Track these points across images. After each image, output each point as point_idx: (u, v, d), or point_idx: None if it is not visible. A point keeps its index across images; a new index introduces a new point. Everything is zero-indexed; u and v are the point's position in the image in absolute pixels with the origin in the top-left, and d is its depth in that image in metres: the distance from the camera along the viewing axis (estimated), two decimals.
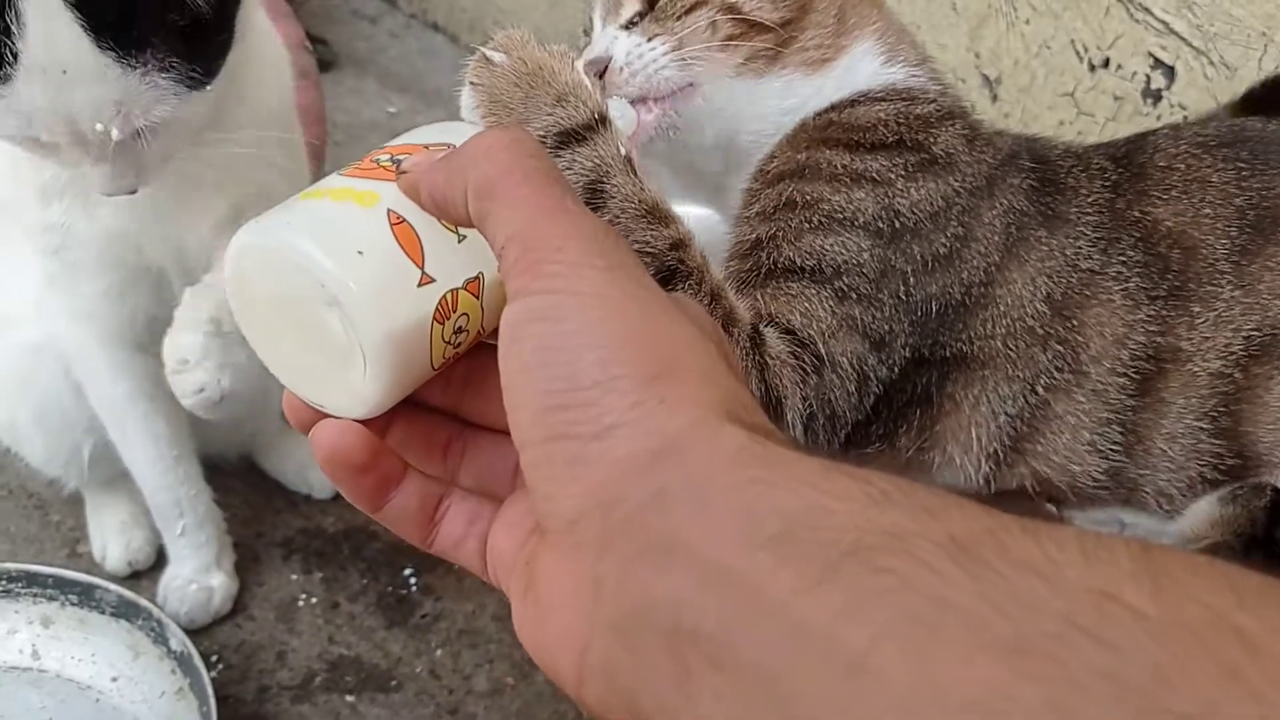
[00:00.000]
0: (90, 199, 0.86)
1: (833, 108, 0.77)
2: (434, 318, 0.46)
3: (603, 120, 0.61)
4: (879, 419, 0.73)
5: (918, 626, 0.30)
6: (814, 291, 0.70)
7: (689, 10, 0.75)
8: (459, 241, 0.47)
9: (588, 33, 0.83)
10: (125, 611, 0.96)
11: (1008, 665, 0.28)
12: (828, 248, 0.71)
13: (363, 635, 1.06)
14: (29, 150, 0.78)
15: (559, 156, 0.60)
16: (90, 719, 0.94)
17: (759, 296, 0.71)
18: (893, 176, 0.73)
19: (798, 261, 0.71)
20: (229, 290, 0.49)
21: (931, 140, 0.75)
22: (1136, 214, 0.76)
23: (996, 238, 0.74)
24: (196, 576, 1.04)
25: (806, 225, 0.71)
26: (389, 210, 0.46)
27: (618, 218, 0.61)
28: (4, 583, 0.97)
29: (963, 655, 0.29)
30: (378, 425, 0.48)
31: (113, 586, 0.97)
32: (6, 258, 0.96)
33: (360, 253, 0.45)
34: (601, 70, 0.74)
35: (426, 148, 0.50)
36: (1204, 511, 0.74)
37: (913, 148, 0.75)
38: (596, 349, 0.38)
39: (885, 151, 0.74)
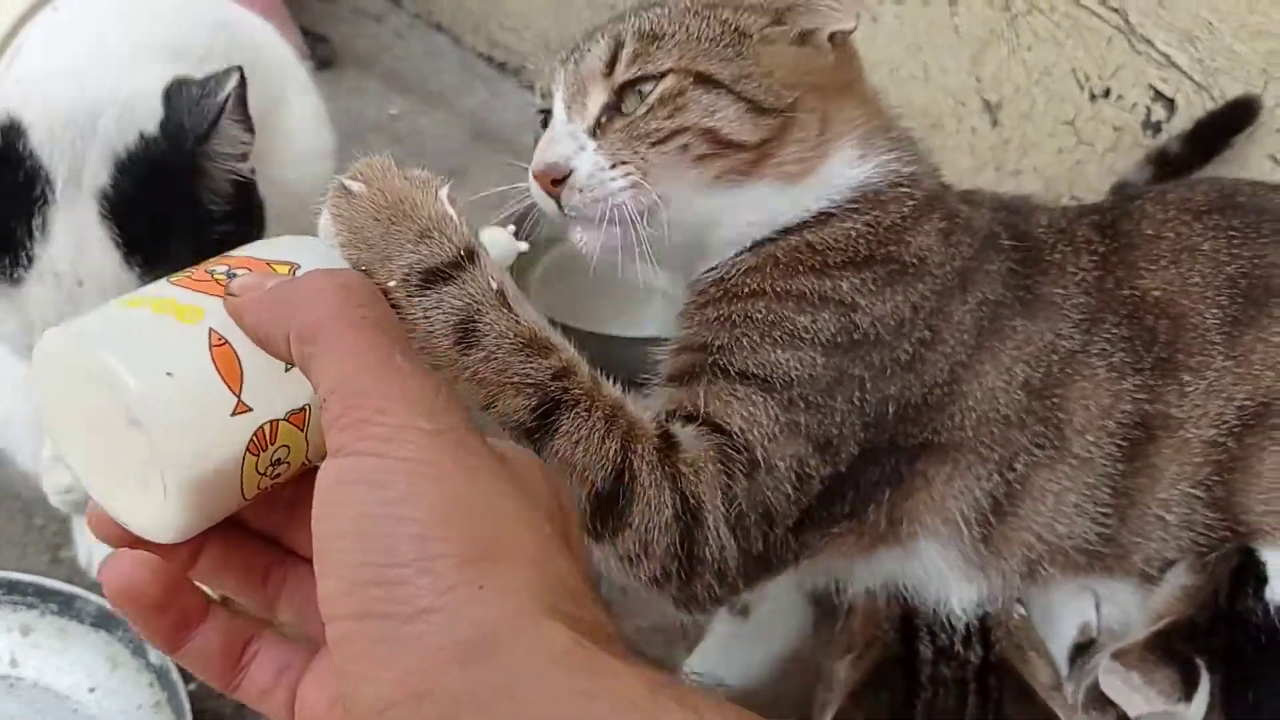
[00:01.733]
0: None
1: (804, 226, 0.74)
2: (248, 449, 0.43)
3: (470, 255, 0.58)
4: (842, 499, 0.71)
5: None
6: (761, 399, 0.68)
7: (666, 138, 0.72)
8: (286, 370, 0.43)
9: (545, 96, 0.80)
10: (105, 623, 0.96)
11: None
12: (783, 362, 0.69)
13: None
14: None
15: (425, 295, 0.56)
16: None
17: (698, 393, 0.69)
18: (859, 298, 0.70)
19: (750, 370, 0.69)
20: (39, 391, 0.46)
21: (903, 248, 0.73)
22: (1125, 291, 0.74)
23: (966, 336, 0.72)
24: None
25: (767, 341, 0.70)
26: (211, 330, 0.43)
27: (493, 354, 0.59)
28: None
29: None
30: (190, 546, 0.45)
31: (93, 597, 0.96)
32: None
33: (170, 374, 0.42)
34: (559, 177, 0.72)
35: (269, 264, 0.47)
36: (1174, 581, 0.74)
37: (883, 260, 0.72)
38: (416, 523, 0.36)
39: (854, 268, 0.72)
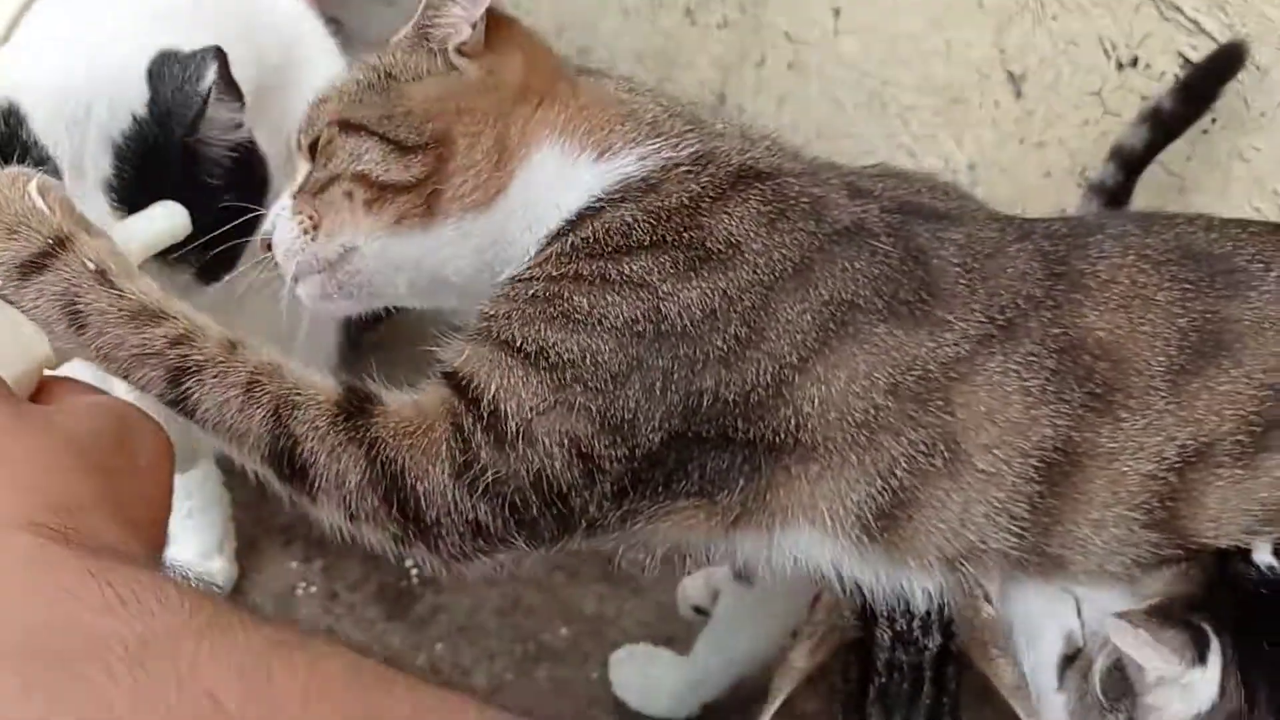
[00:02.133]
0: None
1: (571, 227, 0.71)
2: None
3: (61, 242, 0.61)
4: (681, 478, 0.69)
5: None
6: (523, 373, 0.66)
7: (323, 188, 0.72)
8: None
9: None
10: None
11: None
12: (556, 342, 0.67)
13: (361, 627, 1.05)
14: None
15: (27, 287, 0.60)
16: None
17: (463, 352, 0.68)
18: (654, 279, 0.67)
19: (519, 343, 0.67)
20: None
21: (705, 233, 0.69)
22: (1058, 330, 0.71)
23: (800, 337, 0.68)
24: (197, 561, 1.03)
25: (541, 316, 0.68)
26: None
27: (103, 331, 0.61)
28: None
29: None
30: None
31: None
32: None
33: None
34: (269, 242, 0.75)
35: None
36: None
37: (679, 245, 0.68)
38: None
39: (642, 253, 0.68)
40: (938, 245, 0.73)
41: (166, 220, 0.72)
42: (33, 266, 0.60)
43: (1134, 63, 1.15)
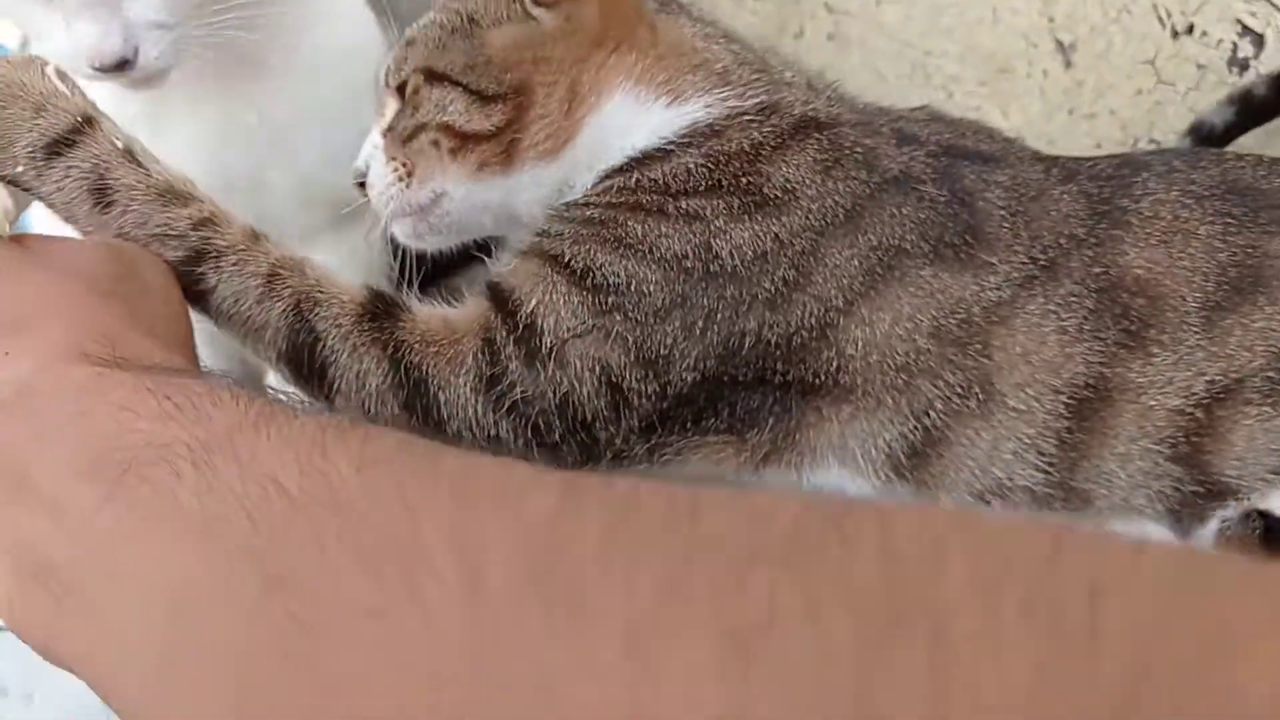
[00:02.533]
0: (159, 127, 0.82)
1: (635, 165, 0.72)
2: None
3: (88, 120, 0.61)
4: (712, 415, 0.69)
5: (155, 528, 0.35)
6: (567, 291, 0.66)
7: (411, 135, 0.73)
8: None
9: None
10: None
11: (191, 545, 0.34)
12: (604, 264, 0.67)
13: None
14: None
15: (53, 167, 0.59)
16: None
17: (512, 265, 0.68)
18: (709, 215, 0.68)
19: (567, 260, 0.67)
20: None
21: (762, 179, 0.69)
22: (1099, 269, 0.71)
23: (847, 281, 0.68)
24: None
25: (595, 238, 0.68)
26: None
27: (129, 208, 0.60)
28: None
29: (170, 540, 0.34)
30: None
31: None
32: None
33: None
34: (361, 181, 0.76)
35: None
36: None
37: (735, 190, 0.69)
38: None
39: (701, 196, 0.69)
40: (983, 188, 0.73)
41: None
42: (61, 144, 0.60)
43: (1190, 30, 1.12)
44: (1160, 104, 1.16)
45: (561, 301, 0.66)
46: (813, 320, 0.68)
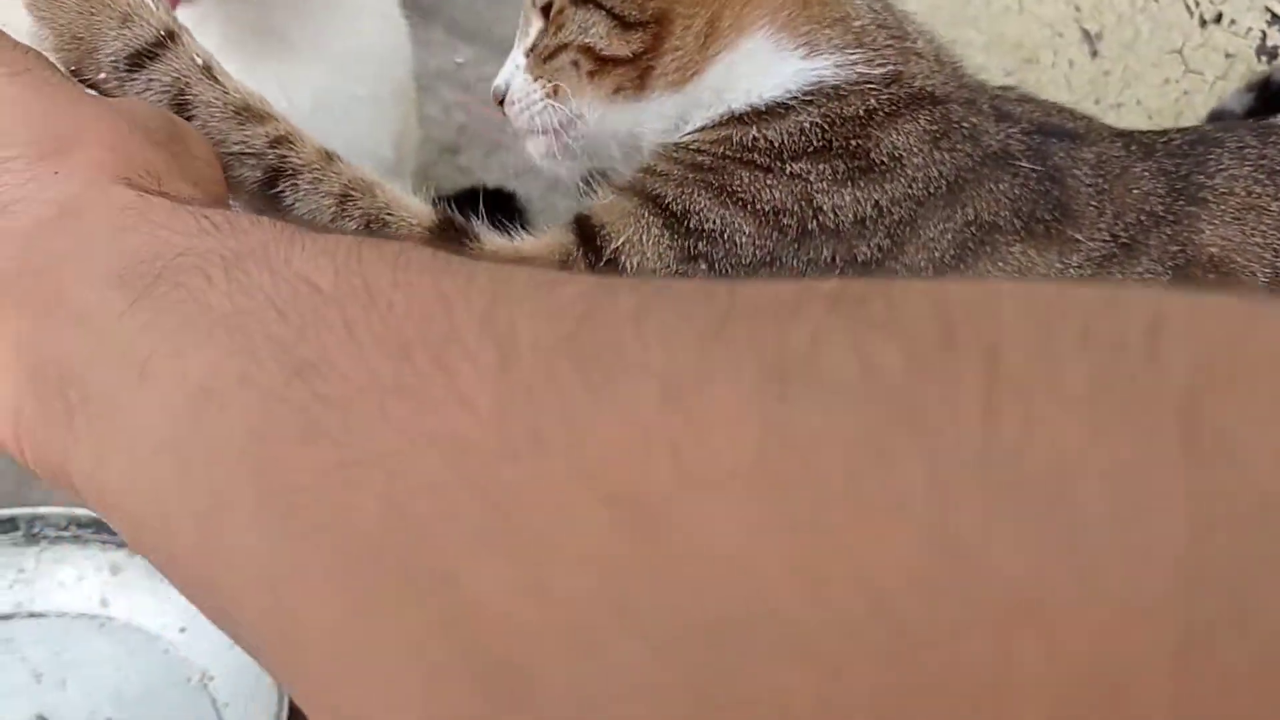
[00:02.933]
0: None
1: (757, 119, 0.71)
2: None
3: (171, 35, 0.61)
4: None
5: (183, 327, 0.35)
6: (658, 233, 0.67)
7: (552, 54, 0.75)
8: None
9: None
10: None
11: (217, 338, 0.34)
12: (702, 209, 0.67)
13: None
14: None
15: (134, 79, 0.59)
16: (158, 668, 0.93)
17: (606, 198, 0.69)
18: (813, 177, 0.68)
19: (666, 200, 0.68)
20: None
21: (872, 143, 0.69)
22: (1176, 247, 0.71)
23: (938, 254, 0.69)
24: None
25: (699, 182, 0.68)
26: None
27: (207, 124, 0.61)
28: (75, 529, 0.96)
29: (194, 335, 0.34)
30: None
31: None
32: None
33: None
34: (501, 99, 0.77)
35: None
36: None
37: (843, 154, 0.69)
38: None
39: (809, 157, 0.69)
40: (1072, 164, 0.73)
41: None
42: (145, 56, 0.60)
43: (1218, 19, 1.12)
44: (1188, 93, 1.16)
45: (651, 242, 0.67)
46: None
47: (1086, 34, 1.22)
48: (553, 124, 0.75)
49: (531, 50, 0.77)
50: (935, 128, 0.71)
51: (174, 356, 0.34)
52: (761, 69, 0.72)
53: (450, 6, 1.98)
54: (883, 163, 0.69)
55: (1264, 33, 1.09)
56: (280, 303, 0.34)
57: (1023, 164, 0.72)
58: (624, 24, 0.73)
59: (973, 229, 0.69)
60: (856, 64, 0.72)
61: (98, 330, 0.36)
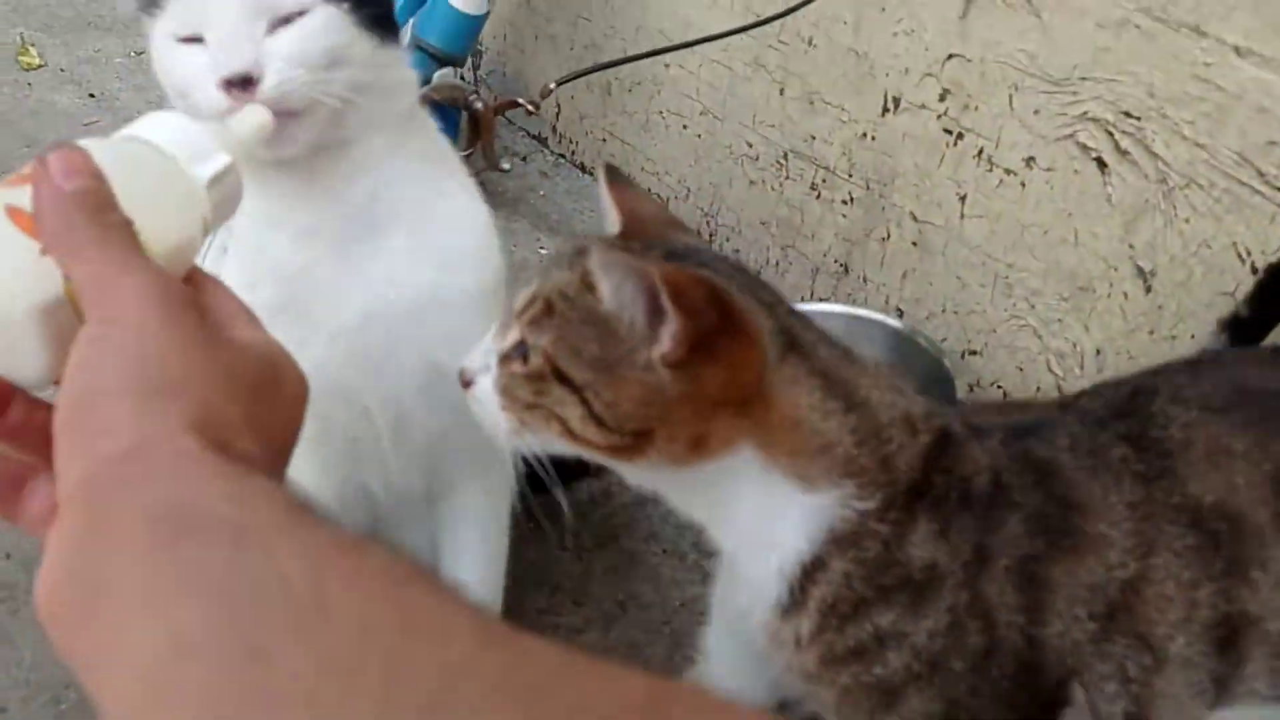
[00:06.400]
0: (308, 302, 0.92)
1: (808, 575, 0.75)
2: (66, 290, 0.52)
3: None
4: None
5: (182, 573, 0.43)
6: None
7: (529, 407, 0.74)
8: None
9: None
10: None
11: (201, 603, 0.42)
12: (911, 712, 0.74)
13: None
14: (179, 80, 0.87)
15: None
16: None
17: None
18: (901, 622, 0.73)
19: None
20: None
21: (902, 570, 0.73)
22: (1177, 499, 0.75)
23: (1010, 599, 0.74)
24: None
25: (869, 703, 0.75)
26: (7, 206, 0.52)
27: None
28: None
29: (186, 592, 0.43)
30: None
31: None
32: None
33: None
34: (466, 381, 0.79)
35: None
36: None
37: (892, 591, 0.73)
38: (117, 367, 0.49)
39: (876, 608, 0.73)
40: (1056, 452, 0.78)
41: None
42: None
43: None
44: None
45: None
46: (1021, 640, 0.74)
47: (1140, 270, 1.28)
48: (515, 447, 0.75)
49: (505, 358, 0.75)
50: (935, 525, 0.73)
51: (171, 602, 0.42)
52: (767, 497, 0.73)
53: (533, 199, 2.09)
54: (923, 579, 0.73)
55: None
56: (257, 590, 0.42)
57: (1015, 492, 0.75)
58: (601, 424, 0.71)
59: (1013, 572, 0.73)
60: (854, 498, 0.73)
61: (129, 556, 0.44)
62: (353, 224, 0.92)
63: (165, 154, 0.59)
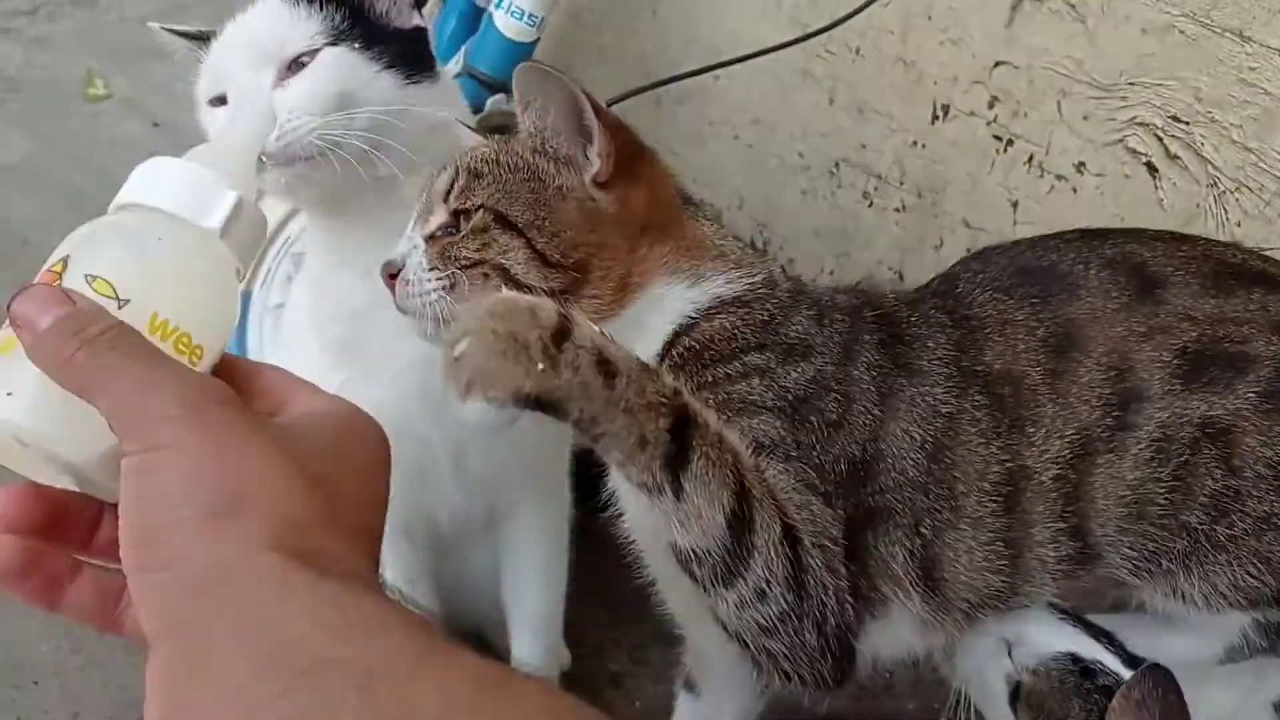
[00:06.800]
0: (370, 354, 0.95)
1: (675, 338, 0.83)
2: None
3: (565, 316, 0.66)
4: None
5: None
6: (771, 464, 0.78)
7: (470, 265, 0.79)
8: None
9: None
10: None
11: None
12: (753, 428, 0.79)
13: None
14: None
15: (560, 358, 0.64)
16: None
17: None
18: (770, 365, 0.81)
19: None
20: None
21: (783, 335, 0.84)
22: (980, 368, 0.85)
23: (871, 391, 0.83)
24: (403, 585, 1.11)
25: (730, 415, 0.79)
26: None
27: (631, 378, 0.66)
28: None
29: None
30: (77, 523, 0.54)
31: None
32: None
33: (9, 393, 0.50)
34: (394, 273, 0.81)
35: (54, 271, 0.52)
36: None
37: (769, 346, 0.83)
38: (168, 495, 0.46)
39: (752, 352, 0.82)
40: (885, 305, 0.89)
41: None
42: (560, 335, 0.66)
43: None
44: None
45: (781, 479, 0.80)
46: (869, 431, 0.82)
47: None
48: (441, 314, 0.78)
49: (431, 239, 0.81)
50: (813, 311, 0.86)
51: None
52: (666, 302, 0.84)
53: None
54: (797, 344, 0.83)
55: None
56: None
57: (867, 313, 0.86)
58: (545, 261, 0.79)
59: (875, 370, 0.83)
60: (742, 278, 0.85)
61: (251, 704, 0.42)
62: None
63: (169, 215, 0.55)
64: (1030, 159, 1.42)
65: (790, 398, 0.81)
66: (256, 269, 1.44)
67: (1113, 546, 0.83)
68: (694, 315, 0.84)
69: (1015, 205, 1.44)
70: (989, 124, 1.46)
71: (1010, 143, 1.44)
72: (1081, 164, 1.36)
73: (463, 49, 1.65)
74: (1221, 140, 1.21)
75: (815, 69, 1.69)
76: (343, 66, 0.87)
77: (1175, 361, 0.82)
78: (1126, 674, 0.81)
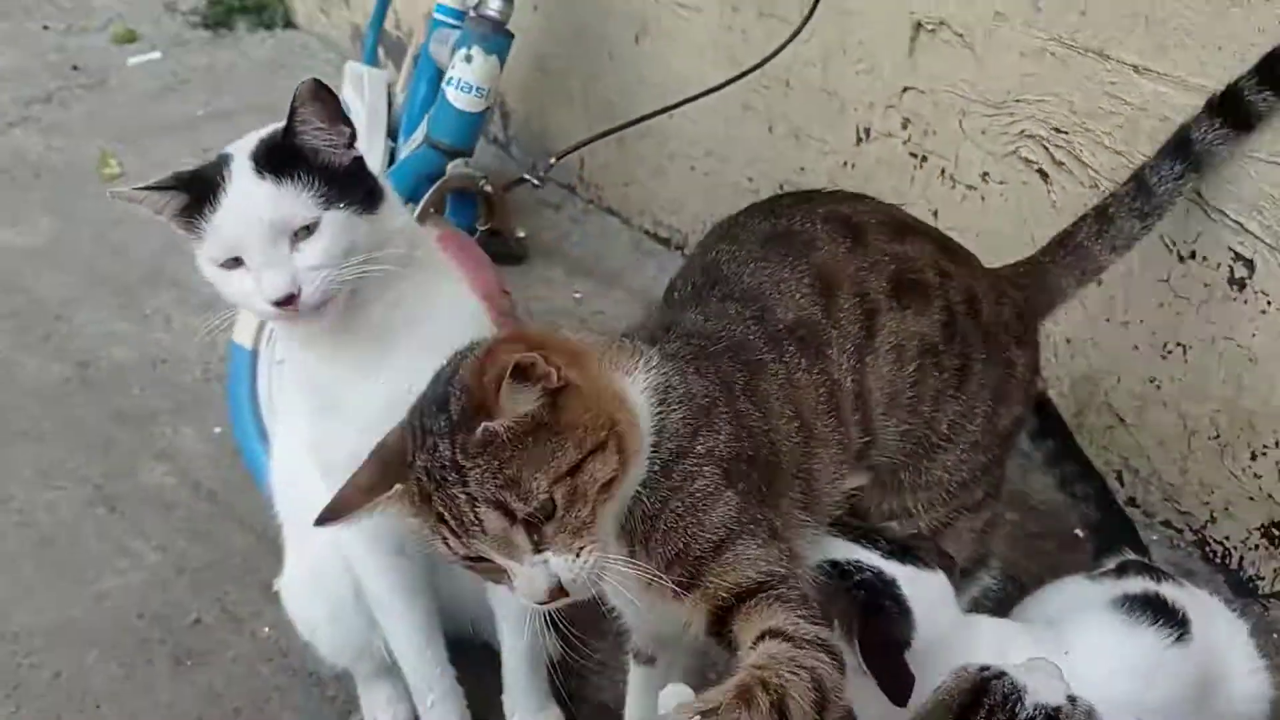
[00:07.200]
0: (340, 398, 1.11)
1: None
2: None
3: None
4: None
5: None
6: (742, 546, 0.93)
7: (592, 516, 0.88)
8: None
9: None
10: None
11: None
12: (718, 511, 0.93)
13: None
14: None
15: None
16: None
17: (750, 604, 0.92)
18: (711, 439, 0.95)
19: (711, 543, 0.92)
20: None
21: (696, 400, 0.97)
22: (780, 326, 1.04)
23: (752, 411, 0.99)
24: None
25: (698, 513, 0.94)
26: None
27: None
28: None
29: None
30: None
31: None
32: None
33: None
34: (549, 600, 0.90)
35: None
36: None
37: (701, 411, 0.97)
38: None
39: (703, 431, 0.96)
40: (705, 322, 1.05)
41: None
42: None
43: (1192, 255, 1.30)
44: (1180, 314, 1.34)
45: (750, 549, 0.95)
46: (768, 453, 1.00)
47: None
48: (604, 569, 0.89)
49: (543, 547, 0.87)
50: (690, 368, 0.99)
51: None
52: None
53: (567, 246, 2.27)
54: (704, 403, 0.97)
55: (1231, 267, 1.27)
56: None
57: (710, 347, 1.02)
58: (602, 448, 0.88)
59: (749, 393, 0.99)
60: (646, 381, 0.96)
61: None
62: (369, 340, 1.10)
63: None
64: (943, 172, 1.57)
65: (731, 454, 0.95)
66: (261, 330, 1.62)
67: (883, 430, 1.08)
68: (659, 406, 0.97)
69: (936, 214, 1.59)
70: (904, 143, 1.61)
71: (925, 159, 1.59)
72: (986, 174, 1.51)
73: (424, 121, 1.82)
74: (1097, 147, 1.36)
75: (755, 102, 1.85)
76: (346, 226, 1.05)
77: (889, 286, 1.07)
78: (886, 565, 0.99)
